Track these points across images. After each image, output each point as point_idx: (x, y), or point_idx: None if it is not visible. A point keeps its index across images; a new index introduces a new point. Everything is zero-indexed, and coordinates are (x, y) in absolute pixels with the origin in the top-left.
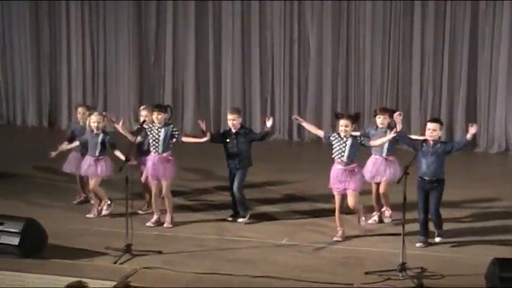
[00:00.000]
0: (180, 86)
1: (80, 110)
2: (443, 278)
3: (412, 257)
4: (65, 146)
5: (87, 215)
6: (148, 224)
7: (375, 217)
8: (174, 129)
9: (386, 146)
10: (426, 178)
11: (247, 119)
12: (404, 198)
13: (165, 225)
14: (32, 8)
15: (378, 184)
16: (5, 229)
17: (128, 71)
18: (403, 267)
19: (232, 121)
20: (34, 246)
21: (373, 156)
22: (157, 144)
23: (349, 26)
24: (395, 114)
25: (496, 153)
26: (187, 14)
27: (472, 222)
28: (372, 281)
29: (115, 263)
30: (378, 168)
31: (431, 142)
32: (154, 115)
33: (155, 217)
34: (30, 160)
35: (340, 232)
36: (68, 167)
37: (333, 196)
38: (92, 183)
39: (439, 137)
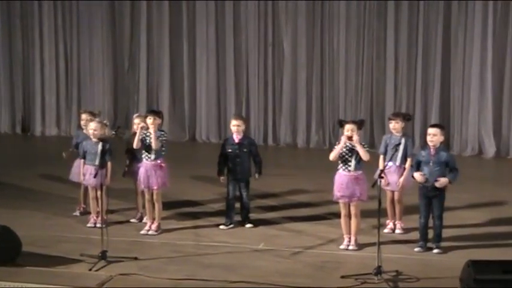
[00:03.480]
0: (155, 90)
1: (84, 116)
2: (418, 281)
3: (388, 261)
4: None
5: (88, 224)
6: (142, 232)
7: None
8: (162, 134)
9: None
10: (428, 186)
11: (222, 122)
12: (379, 202)
13: (150, 232)
14: (3, 10)
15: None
16: None
17: (102, 76)
18: (378, 271)
19: (237, 127)
20: (8, 254)
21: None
22: (149, 151)
23: (323, 27)
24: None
25: (469, 156)
26: (162, 16)
27: (448, 225)
28: (348, 285)
29: (90, 269)
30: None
31: (432, 149)
32: (150, 120)
33: (148, 224)
34: (4, 167)
35: (346, 240)
36: (74, 175)
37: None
38: (93, 193)
39: (441, 143)
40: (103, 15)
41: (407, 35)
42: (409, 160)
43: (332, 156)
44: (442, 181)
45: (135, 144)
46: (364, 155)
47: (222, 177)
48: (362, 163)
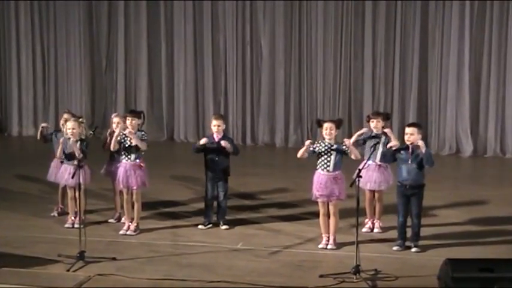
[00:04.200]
0: (133, 90)
1: (65, 116)
2: (397, 280)
3: (366, 260)
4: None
5: (65, 225)
6: (121, 232)
7: (367, 225)
8: (143, 134)
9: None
10: (407, 184)
11: (201, 122)
12: (358, 201)
13: (128, 232)
14: None
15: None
16: None
17: (80, 76)
18: (357, 270)
19: (217, 127)
20: None
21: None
22: (129, 151)
23: (301, 27)
24: (387, 130)
25: (447, 155)
26: (139, 16)
27: (426, 223)
28: (326, 284)
29: (68, 270)
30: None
31: (410, 147)
32: (128, 121)
33: (127, 224)
34: None
35: (325, 239)
36: (52, 176)
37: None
38: (71, 193)
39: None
40: (80, 15)
41: (384, 34)
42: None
43: (299, 154)
44: (422, 143)
45: (112, 146)
46: (356, 154)
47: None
48: (341, 163)
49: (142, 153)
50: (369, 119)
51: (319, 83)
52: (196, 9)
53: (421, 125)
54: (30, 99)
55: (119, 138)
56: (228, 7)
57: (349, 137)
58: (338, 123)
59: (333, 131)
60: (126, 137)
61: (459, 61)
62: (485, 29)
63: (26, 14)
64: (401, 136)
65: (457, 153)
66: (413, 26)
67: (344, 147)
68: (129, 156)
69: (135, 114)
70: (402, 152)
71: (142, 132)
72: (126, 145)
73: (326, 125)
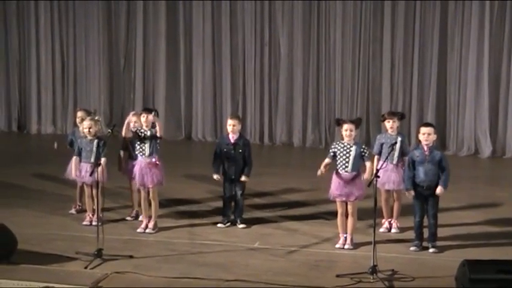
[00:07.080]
0: (151, 89)
1: (79, 114)
2: (414, 280)
3: (383, 260)
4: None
5: (83, 222)
6: (139, 230)
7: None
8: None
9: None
10: (424, 185)
11: (218, 121)
12: (375, 201)
13: (147, 230)
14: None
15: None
16: None
17: (98, 75)
18: (374, 270)
19: (232, 126)
20: (3, 251)
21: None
22: (143, 148)
23: (320, 27)
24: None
25: (465, 156)
26: (158, 16)
27: (444, 224)
28: (343, 284)
29: (86, 267)
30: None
31: (426, 148)
32: (143, 118)
33: (144, 222)
34: (1, 165)
35: (342, 239)
36: (70, 174)
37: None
38: (89, 191)
39: (433, 141)
40: (99, 14)
41: (403, 34)
42: (406, 159)
43: (319, 172)
44: (439, 192)
45: (123, 131)
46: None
47: (216, 176)
48: (359, 163)
49: (157, 148)
50: (383, 118)
51: (337, 83)
52: (215, 9)
53: (434, 124)
54: (49, 98)
55: (135, 131)
56: (246, 7)
57: (367, 136)
58: (358, 123)
59: (352, 132)
60: (141, 132)
61: (478, 61)
62: (505, 29)
63: (46, 13)
64: (416, 136)
65: (476, 154)
66: (433, 26)
67: (363, 152)
68: (143, 152)
69: (149, 111)
70: (418, 154)
71: (157, 128)
72: (142, 136)
73: (346, 126)
